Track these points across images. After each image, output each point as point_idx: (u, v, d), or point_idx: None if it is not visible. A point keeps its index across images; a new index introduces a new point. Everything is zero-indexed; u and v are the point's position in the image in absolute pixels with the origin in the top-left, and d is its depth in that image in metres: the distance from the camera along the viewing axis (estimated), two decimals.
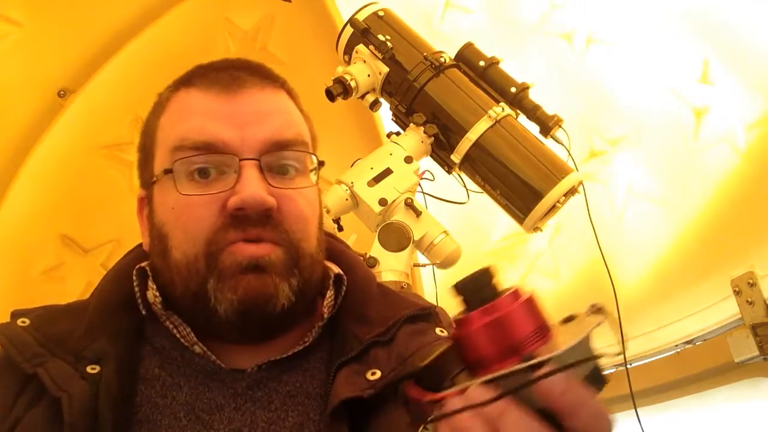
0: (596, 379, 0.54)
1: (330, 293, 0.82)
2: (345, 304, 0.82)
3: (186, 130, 0.76)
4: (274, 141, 0.76)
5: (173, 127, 0.78)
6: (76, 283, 2.34)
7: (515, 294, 0.54)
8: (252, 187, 0.72)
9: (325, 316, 0.80)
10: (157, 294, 0.78)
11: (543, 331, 0.53)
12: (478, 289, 0.54)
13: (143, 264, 0.81)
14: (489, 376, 0.50)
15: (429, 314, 0.82)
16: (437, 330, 0.79)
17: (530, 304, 0.54)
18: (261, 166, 0.74)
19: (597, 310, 0.56)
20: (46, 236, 2.33)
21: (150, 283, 0.79)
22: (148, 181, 0.81)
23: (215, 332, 0.76)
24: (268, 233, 0.73)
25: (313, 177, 0.82)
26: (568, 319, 0.57)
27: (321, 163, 0.81)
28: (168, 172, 0.75)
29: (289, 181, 0.77)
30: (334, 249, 0.89)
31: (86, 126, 2.36)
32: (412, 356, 0.73)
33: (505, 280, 0.56)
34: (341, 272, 0.84)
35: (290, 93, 0.84)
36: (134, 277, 0.80)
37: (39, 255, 2.33)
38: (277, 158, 0.76)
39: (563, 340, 0.54)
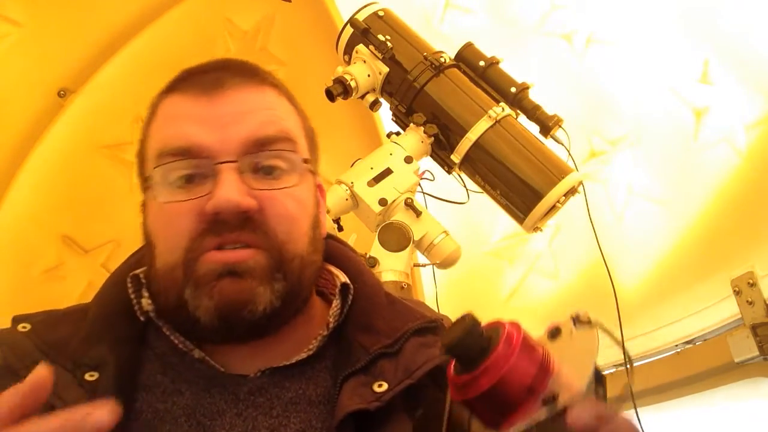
0: (599, 380, 0.55)
1: (336, 302, 0.80)
2: (351, 313, 0.80)
3: (166, 136, 0.75)
4: (254, 140, 0.74)
5: (156, 133, 0.77)
6: (77, 283, 2.34)
7: (509, 340, 0.53)
8: (226, 191, 0.70)
9: (330, 325, 0.79)
10: (151, 302, 0.77)
11: (545, 363, 0.53)
12: (470, 344, 0.54)
13: (137, 271, 0.80)
14: (519, 427, 0.51)
15: (436, 326, 0.80)
16: None
17: (526, 344, 0.54)
18: (241, 168, 0.72)
19: (578, 318, 0.56)
20: (46, 236, 2.34)
21: (143, 291, 0.78)
22: (143, 188, 0.80)
23: (201, 338, 0.75)
24: (247, 236, 0.71)
25: (307, 174, 0.79)
26: (554, 333, 0.57)
27: (305, 161, 0.78)
28: (148, 179, 0.75)
29: (275, 181, 0.75)
30: (341, 254, 0.88)
31: (86, 126, 2.36)
32: (418, 369, 0.72)
33: (483, 319, 0.55)
34: (348, 281, 0.82)
35: (279, 88, 0.81)
36: (129, 285, 0.79)
37: (39, 255, 2.33)
38: (259, 158, 0.74)
39: (559, 356, 0.54)
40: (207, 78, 0.77)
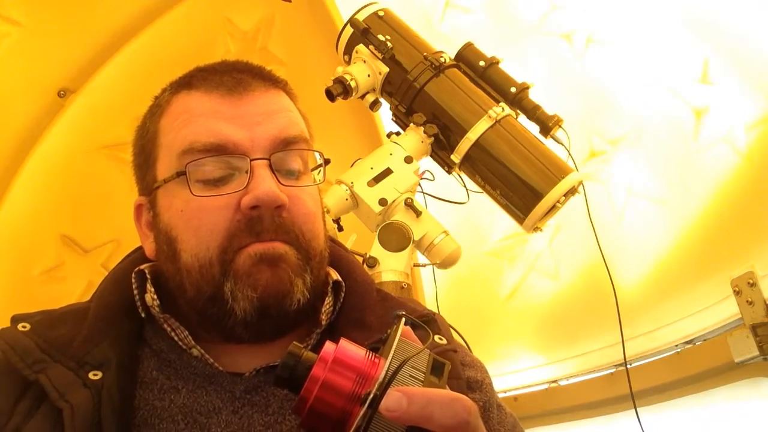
0: (438, 368, 0.57)
1: (328, 300, 0.82)
2: (343, 310, 0.82)
3: (194, 133, 0.76)
4: (281, 139, 0.77)
5: (178, 130, 0.78)
6: (77, 283, 2.34)
7: (323, 358, 0.57)
8: (266, 184, 0.73)
9: (324, 323, 0.80)
10: (155, 297, 0.78)
11: (364, 369, 0.56)
12: (292, 372, 0.57)
13: (142, 267, 0.81)
14: None
15: (428, 321, 0.81)
16: (436, 338, 0.79)
17: (341, 358, 0.57)
18: (271, 166, 0.75)
19: (398, 317, 0.59)
20: (46, 236, 2.33)
21: (148, 286, 0.79)
22: (149, 186, 0.81)
23: (229, 333, 0.75)
24: (281, 237, 0.74)
25: (317, 175, 0.83)
26: (383, 342, 0.60)
27: (327, 161, 0.82)
28: (181, 174, 0.75)
29: (296, 180, 0.78)
30: (333, 252, 0.89)
31: (86, 126, 2.36)
32: None
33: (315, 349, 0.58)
34: (339, 278, 0.84)
35: (290, 94, 0.85)
36: (133, 280, 0.80)
37: (39, 255, 2.33)
38: (285, 156, 0.77)
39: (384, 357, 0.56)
40: (228, 78, 0.79)
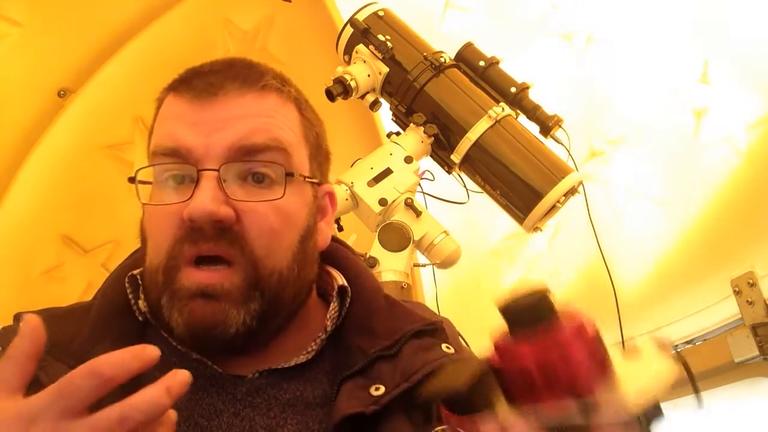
0: (653, 416, 0.51)
1: (334, 305, 0.80)
2: (350, 315, 0.80)
3: (158, 136, 0.76)
4: (238, 147, 0.72)
5: (154, 132, 0.78)
6: (77, 283, 2.34)
7: (582, 325, 0.49)
8: (200, 198, 0.69)
9: (328, 329, 0.79)
10: (146, 304, 0.78)
11: (602, 368, 0.48)
12: (534, 317, 0.50)
13: (135, 272, 0.80)
14: (545, 419, 0.47)
15: (436, 329, 0.80)
16: (443, 346, 0.76)
17: (594, 341, 0.49)
18: (223, 176, 0.71)
19: (661, 344, 0.52)
20: (46, 236, 2.33)
21: (140, 292, 0.78)
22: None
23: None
24: (222, 248, 0.70)
25: (300, 185, 0.77)
26: (632, 349, 0.52)
27: (289, 174, 0.74)
28: (132, 180, 0.75)
29: (262, 191, 0.73)
30: (340, 256, 0.87)
31: (86, 126, 2.36)
32: (416, 372, 0.72)
33: (559, 303, 0.51)
34: (345, 284, 0.82)
35: (284, 94, 0.79)
36: (126, 285, 0.79)
37: (39, 255, 2.33)
38: (244, 167, 0.73)
39: (623, 374, 0.49)
40: (205, 81, 0.76)
